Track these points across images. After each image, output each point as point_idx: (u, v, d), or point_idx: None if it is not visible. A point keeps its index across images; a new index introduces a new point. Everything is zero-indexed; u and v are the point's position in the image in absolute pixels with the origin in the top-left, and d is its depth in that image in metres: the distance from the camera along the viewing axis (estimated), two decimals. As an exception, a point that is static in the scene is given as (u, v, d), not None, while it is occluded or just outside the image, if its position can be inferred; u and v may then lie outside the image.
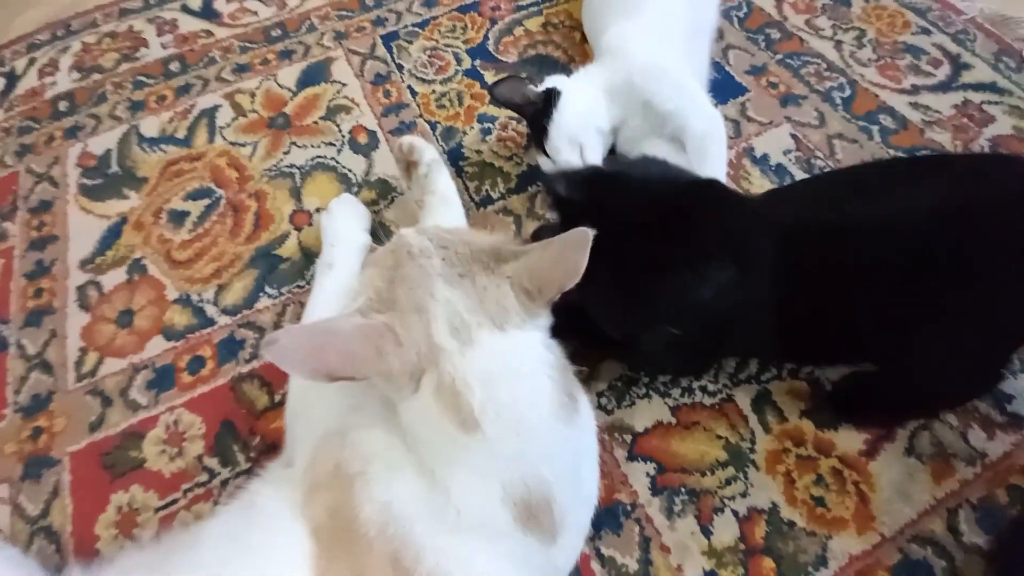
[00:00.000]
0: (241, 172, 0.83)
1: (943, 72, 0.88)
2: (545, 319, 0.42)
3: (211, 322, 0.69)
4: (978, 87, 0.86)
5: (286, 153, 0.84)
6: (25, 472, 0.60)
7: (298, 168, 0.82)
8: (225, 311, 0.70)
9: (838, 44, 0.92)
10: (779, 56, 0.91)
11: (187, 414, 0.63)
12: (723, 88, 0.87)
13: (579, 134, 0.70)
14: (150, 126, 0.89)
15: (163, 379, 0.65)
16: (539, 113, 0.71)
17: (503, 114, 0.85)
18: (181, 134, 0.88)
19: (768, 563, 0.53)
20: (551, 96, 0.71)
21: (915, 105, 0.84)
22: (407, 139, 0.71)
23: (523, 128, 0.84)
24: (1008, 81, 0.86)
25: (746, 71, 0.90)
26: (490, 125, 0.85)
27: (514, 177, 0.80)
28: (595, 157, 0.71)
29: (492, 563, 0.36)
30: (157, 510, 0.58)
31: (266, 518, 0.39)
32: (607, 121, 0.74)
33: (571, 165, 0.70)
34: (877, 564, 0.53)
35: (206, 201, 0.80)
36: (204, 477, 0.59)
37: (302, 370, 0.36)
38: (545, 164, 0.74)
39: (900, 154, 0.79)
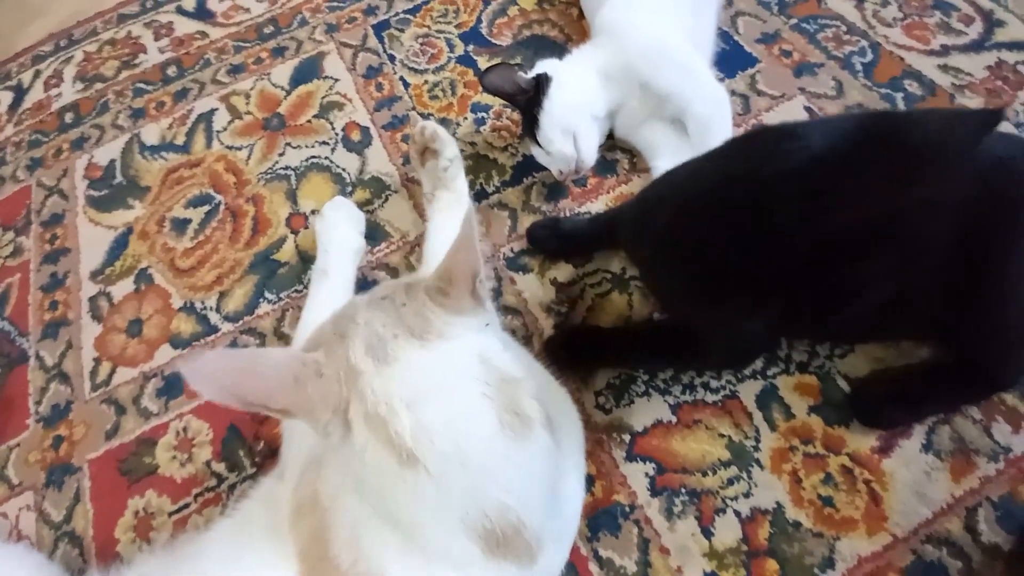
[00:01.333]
0: (238, 176, 0.83)
1: (975, 30, 0.80)
2: (480, 319, 0.38)
3: (215, 329, 0.71)
4: (1012, 46, 0.78)
5: (281, 155, 0.84)
6: (48, 480, 0.64)
7: (293, 170, 0.82)
8: (227, 318, 0.71)
9: (860, 3, 0.85)
10: (793, 20, 0.85)
11: (195, 420, 0.65)
12: (731, 60, 0.81)
13: (572, 122, 0.67)
14: (151, 134, 0.90)
15: (172, 387, 0.67)
16: (531, 101, 0.68)
17: (497, 103, 0.82)
18: (180, 140, 0.88)
19: (772, 565, 0.52)
20: (541, 83, 0.68)
21: (944, 68, 0.77)
22: (431, 125, 0.67)
23: (518, 117, 0.81)
24: (1047, 38, 0.78)
25: (757, 40, 0.84)
26: (484, 115, 0.82)
27: (509, 169, 0.77)
28: (590, 145, 0.68)
29: None
30: (171, 514, 0.60)
31: (257, 538, 0.40)
32: (603, 106, 0.70)
33: (563, 154, 0.67)
34: (888, 566, 0.51)
35: (206, 208, 0.81)
36: (213, 482, 0.61)
37: (210, 391, 0.33)
38: (538, 155, 0.72)
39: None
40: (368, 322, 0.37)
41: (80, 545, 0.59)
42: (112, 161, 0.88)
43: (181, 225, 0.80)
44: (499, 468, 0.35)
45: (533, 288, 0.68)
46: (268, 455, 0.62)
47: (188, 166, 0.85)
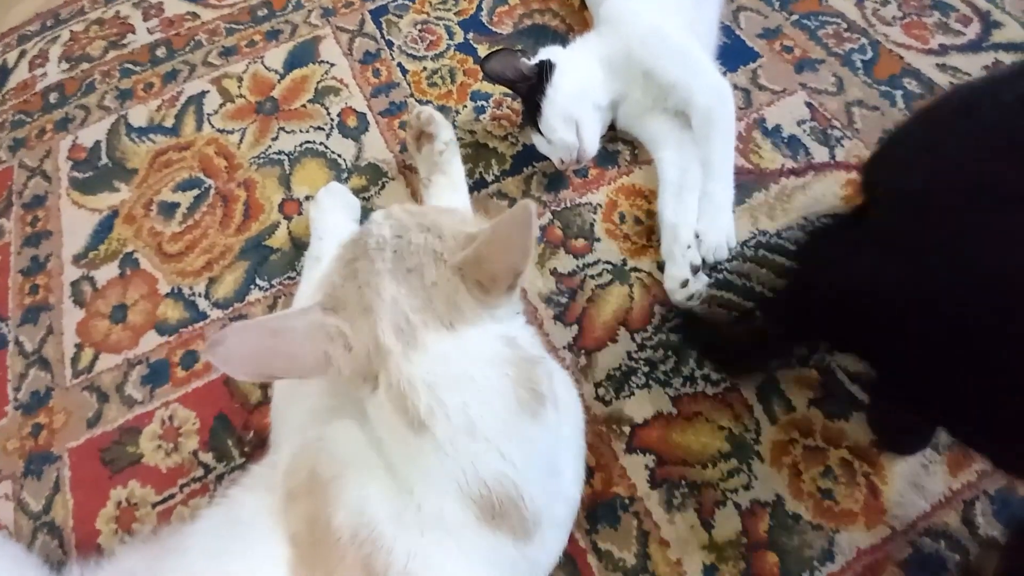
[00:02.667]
0: (230, 160, 0.81)
1: (973, 31, 0.81)
2: (507, 309, 0.39)
3: (203, 316, 0.69)
4: (1009, 47, 0.79)
5: (274, 139, 0.82)
6: (27, 469, 0.61)
7: (287, 155, 0.80)
8: (217, 304, 0.69)
9: (860, 1, 0.85)
10: (795, 16, 0.85)
11: (182, 409, 0.63)
12: (733, 54, 0.81)
13: (574, 110, 0.66)
14: (138, 115, 0.87)
15: (157, 374, 0.65)
16: (533, 88, 0.67)
17: (497, 91, 0.81)
18: (169, 123, 0.86)
19: (772, 558, 0.51)
20: (544, 70, 0.66)
21: (943, 67, 0.78)
22: (427, 110, 0.67)
23: (518, 106, 0.80)
24: (1044, 39, 0.79)
25: (758, 34, 0.83)
26: (484, 103, 0.81)
27: (509, 158, 0.76)
28: (593, 134, 0.67)
29: (460, 562, 0.36)
30: (155, 505, 0.58)
31: (246, 525, 0.38)
32: (605, 96, 0.69)
33: (566, 142, 0.66)
34: (887, 559, 0.51)
35: (195, 192, 0.79)
36: (200, 472, 0.59)
37: (245, 373, 0.35)
38: (540, 143, 0.71)
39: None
40: (395, 300, 0.37)
41: (60, 536, 0.57)
42: (97, 142, 0.85)
43: (169, 209, 0.78)
44: (505, 439, 0.36)
45: (532, 278, 0.67)
46: (258, 445, 0.60)
47: (177, 149, 0.83)
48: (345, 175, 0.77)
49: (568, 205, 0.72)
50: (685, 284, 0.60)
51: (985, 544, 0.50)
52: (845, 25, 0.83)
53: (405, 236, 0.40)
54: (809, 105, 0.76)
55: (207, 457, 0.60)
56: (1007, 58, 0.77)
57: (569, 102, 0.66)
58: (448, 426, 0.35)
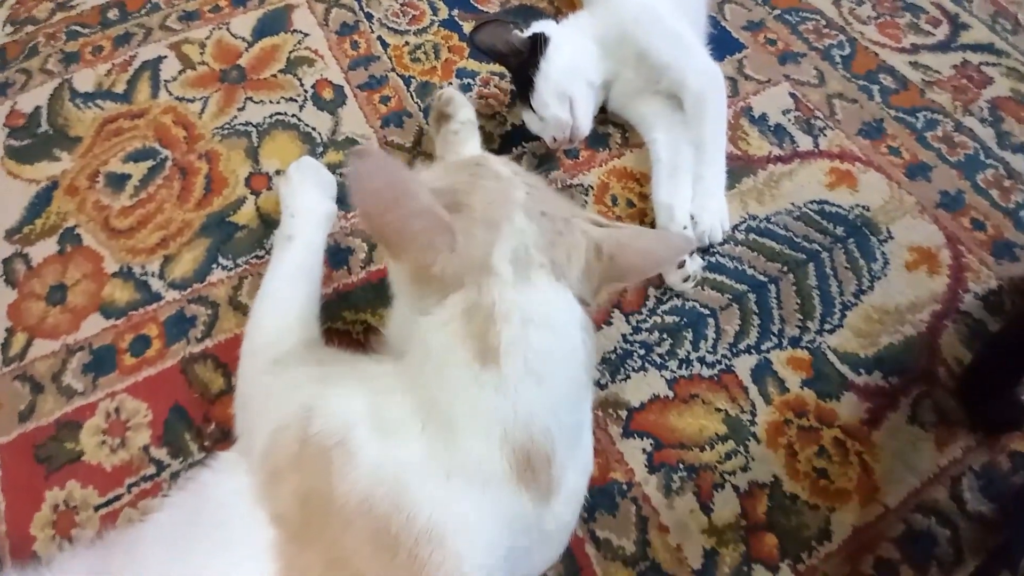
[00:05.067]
0: (190, 131, 0.74)
1: (942, 31, 0.85)
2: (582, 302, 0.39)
3: (157, 297, 0.62)
4: (976, 48, 0.83)
5: (241, 110, 0.75)
6: (-58, 469, 0.53)
7: (255, 126, 0.74)
8: (173, 285, 0.63)
9: (837, 0, 0.88)
10: (777, 11, 0.86)
11: (131, 400, 0.56)
12: (720, 44, 0.81)
13: (569, 86, 0.64)
14: (85, 80, 0.79)
15: (102, 362, 0.58)
16: (525, 63, 0.65)
17: (484, 69, 0.78)
18: (120, 88, 0.78)
19: (771, 539, 0.50)
20: (538, 43, 0.64)
21: (915, 64, 0.81)
22: (448, 90, 0.65)
23: (506, 84, 0.77)
24: (1005, 43, 0.84)
25: (743, 27, 0.84)
26: (470, 81, 0.78)
27: (496, 138, 0.73)
28: (586, 112, 0.65)
29: (484, 515, 0.33)
30: (97, 508, 0.51)
31: (217, 507, 0.34)
32: (599, 74, 0.68)
33: (559, 119, 0.64)
34: (881, 536, 0.51)
35: (150, 163, 0.71)
36: (152, 470, 0.53)
37: (363, 204, 0.35)
38: (531, 121, 0.68)
39: (901, 115, 0.76)
40: (523, 232, 0.37)
41: (-13, 543, 0.49)
42: (38, 108, 0.76)
43: (118, 181, 0.70)
44: (563, 398, 0.36)
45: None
46: (220, 439, 0.54)
47: (129, 116, 0.75)
48: (320, 149, 0.72)
49: (559, 186, 0.69)
50: (681, 265, 0.59)
51: (974, 519, 0.51)
52: (824, 22, 0.85)
53: (536, 185, 0.40)
54: (793, 96, 0.77)
55: (160, 453, 0.54)
56: (975, 58, 0.81)
57: (564, 77, 0.64)
58: (521, 366, 0.34)
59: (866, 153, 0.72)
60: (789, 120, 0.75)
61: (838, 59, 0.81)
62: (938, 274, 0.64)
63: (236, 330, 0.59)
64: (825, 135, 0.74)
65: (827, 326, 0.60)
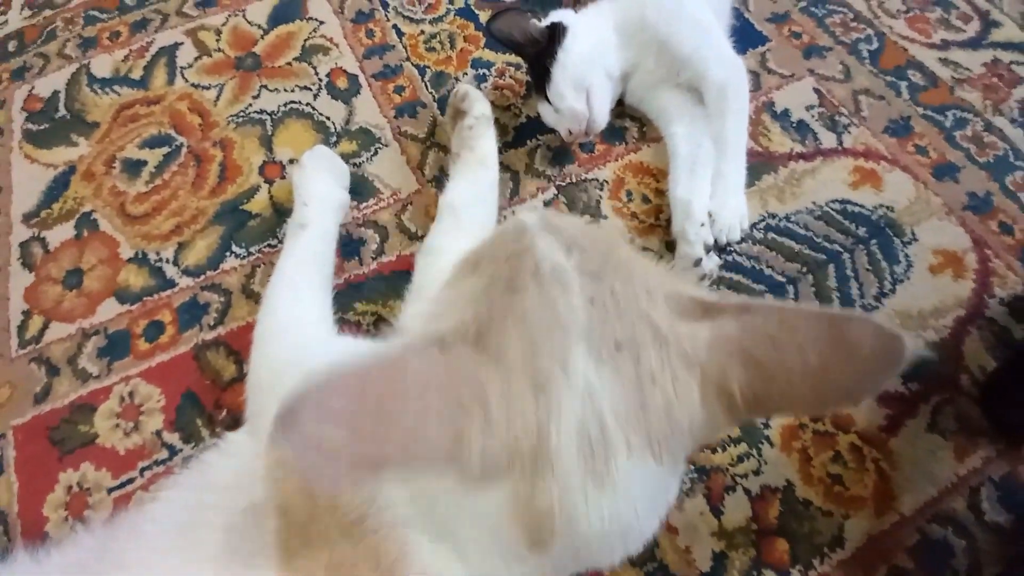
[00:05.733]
0: (205, 118, 0.74)
1: (973, 28, 0.82)
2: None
3: (171, 284, 0.62)
4: (1007, 46, 0.80)
5: (255, 97, 0.75)
6: (-40, 448, 0.54)
7: (269, 114, 0.74)
8: (187, 272, 0.63)
9: (865, -8, 0.85)
10: (802, 4, 0.84)
11: (144, 385, 0.57)
12: (742, 36, 0.79)
13: (586, 77, 0.63)
14: (102, 65, 0.79)
15: (117, 346, 0.58)
16: (542, 53, 0.63)
17: (500, 59, 0.77)
18: (137, 75, 0.78)
19: (782, 544, 0.50)
20: (556, 33, 0.63)
21: (945, 61, 0.78)
22: (463, 86, 0.65)
23: (522, 76, 0.76)
24: (1037, 41, 0.80)
25: (767, 19, 0.82)
26: (486, 71, 0.77)
27: (511, 130, 0.72)
28: (603, 104, 0.64)
29: None
30: (111, 490, 0.52)
31: (223, 490, 0.34)
32: (618, 64, 0.66)
33: (575, 111, 0.63)
34: (896, 545, 0.50)
35: (165, 149, 0.71)
36: (164, 454, 0.53)
37: (332, 473, 0.21)
38: (546, 113, 0.67)
39: (930, 113, 0.73)
40: (590, 391, 0.23)
41: (4, 521, 0.50)
42: (56, 92, 0.77)
43: (134, 167, 0.70)
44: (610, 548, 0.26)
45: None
46: (231, 426, 0.54)
47: (145, 103, 0.75)
48: (334, 139, 0.72)
49: (573, 180, 0.68)
50: (698, 263, 0.58)
51: (991, 530, 0.50)
52: (852, 15, 0.83)
53: (604, 281, 0.25)
54: (817, 91, 0.75)
55: (172, 438, 0.54)
56: (1005, 56, 0.78)
57: (581, 68, 0.62)
58: (570, 554, 0.25)
59: (892, 152, 0.70)
60: (813, 116, 0.73)
61: (865, 54, 0.79)
62: (963, 278, 0.62)
63: (248, 318, 0.59)
64: (850, 132, 0.72)
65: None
